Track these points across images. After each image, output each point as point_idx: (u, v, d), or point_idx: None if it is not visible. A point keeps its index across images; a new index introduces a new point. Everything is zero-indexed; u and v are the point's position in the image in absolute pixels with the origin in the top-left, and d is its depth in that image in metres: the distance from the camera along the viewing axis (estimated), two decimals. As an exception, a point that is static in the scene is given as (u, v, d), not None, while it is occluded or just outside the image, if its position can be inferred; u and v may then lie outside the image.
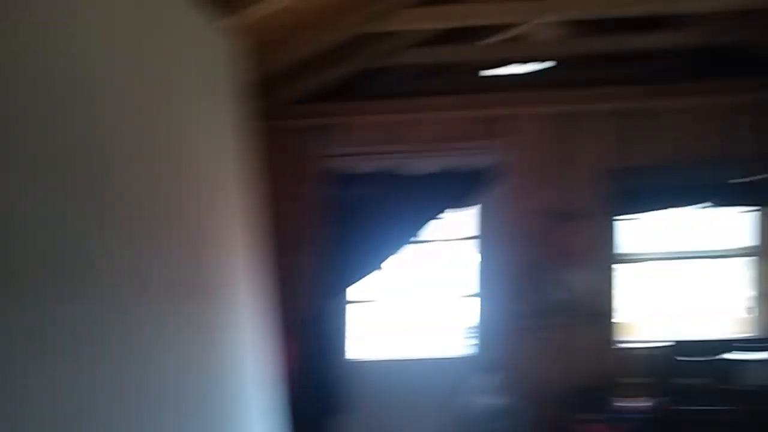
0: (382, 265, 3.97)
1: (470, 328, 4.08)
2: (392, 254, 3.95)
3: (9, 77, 1.25)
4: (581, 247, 3.87)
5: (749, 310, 4.02)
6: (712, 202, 3.91)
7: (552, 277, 3.85)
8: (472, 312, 4.06)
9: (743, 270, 4.04)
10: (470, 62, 4.23)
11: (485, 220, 4.01)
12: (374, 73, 3.90)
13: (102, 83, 1.60)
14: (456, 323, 4.20)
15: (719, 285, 4.24)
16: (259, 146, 2.93)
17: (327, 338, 3.96)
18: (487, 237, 4.01)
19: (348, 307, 4.07)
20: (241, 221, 2.60)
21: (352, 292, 4.05)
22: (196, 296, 2.13)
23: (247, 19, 2.51)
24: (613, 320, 3.94)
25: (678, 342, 3.86)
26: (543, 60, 4.32)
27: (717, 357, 3.74)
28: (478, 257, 4.03)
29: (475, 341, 4.05)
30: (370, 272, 3.97)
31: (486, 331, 4.02)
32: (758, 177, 3.85)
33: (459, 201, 3.97)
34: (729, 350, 3.75)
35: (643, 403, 3.69)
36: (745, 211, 4.00)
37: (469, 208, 4.02)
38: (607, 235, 3.94)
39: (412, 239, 3.97)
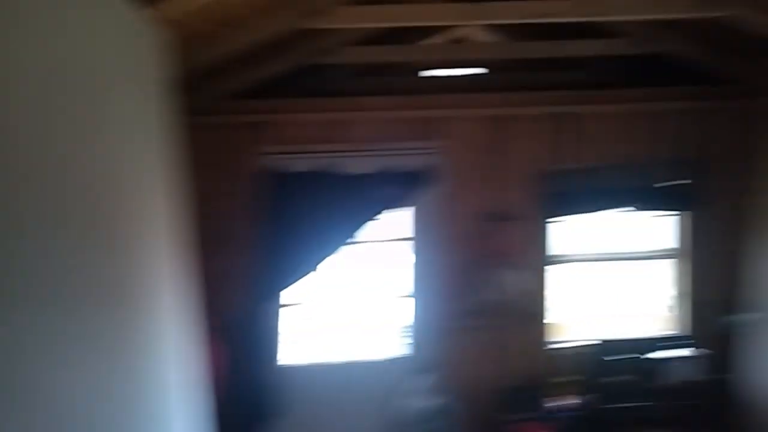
0: (318, 266, 3.90)
1: (405, 328, 4.07)
2: (328, 255, 3.89)
3: None
4: (514, 249, 3.92)
5: (671, 309, 4.19)
6: (637, 205, 4.05)
7: (485, 277, 3.89)
8: (407, 313, 4.06)
9: (666, 271, 4.21)
10: (408, 63, 4.23)
11: (420, 221, 4.01)
12: (311, 70, 3.84)
13: (13, 74, 1.47)
14: (391, 324, 4.18)
15: (644, 285, 4.41)
16: (188, 143, 2.83)
17: (259, 342, 3.86)
18: (421, 238, 4.01)
19: (282, 309, 3.98)
20: (168, 221, 2.49)
21: (286, 294, 3.96)
22: (116, 300, 2.02)
23: (175, 9, 2.41)
24: (544, 320, 4.03)
25: (605, 341, 3.97)
26: (479, 64, 4.38)
27: (642, 355, 3.87)
28: (413, 258, 4.03)
29: (410, 342, 4.05)
30: (305, 274, 3.90)
31: (420, 331, 4.02)
32: (680, 182, 4.02)
33: (395, 202, 3.96)
34: (653, 349, 3.90)
35: (572, 401, 3.78)
36: (667, 215, 4.17)
37: (405, 208, 4.01)
38: (539, 237, 4.02)
39: (348, 240, 3.92)
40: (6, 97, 1.45)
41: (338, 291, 4.24)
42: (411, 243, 4.03)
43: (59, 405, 1.60)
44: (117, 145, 2.10)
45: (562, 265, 4.10)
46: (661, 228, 4.21)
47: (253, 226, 3.82)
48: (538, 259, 4.02)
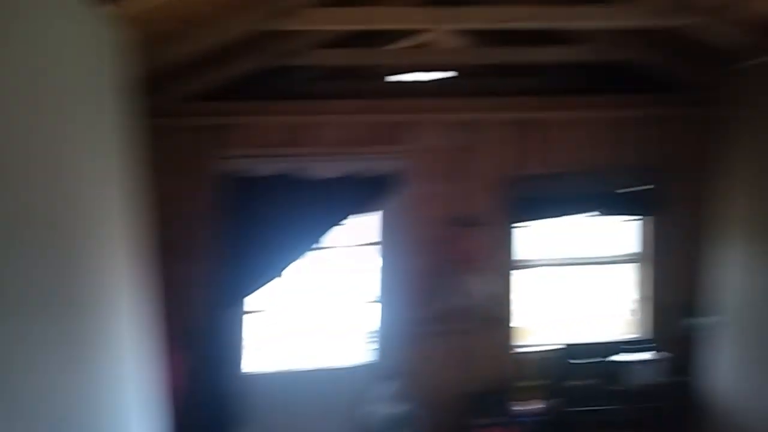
0: (283, 272, 3.84)
1: (371, 334, 4.04)
2: (293, 261, 3.83)
3: None
4: (480, 254, 3.93)
5: (633, 313, 4.25)
6: (600, 210, 4.11)
7: (452, 282, 3.89)
8: (372, 318, 4.02)
9: (629, 275, 4.27)
10: (376, 67, 4.21)
11: (387, 226, 3.98)
12: (277, 72, 3.78)
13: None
14: (357, 330, 4.14)
15: (608, 290, 4.47)
16: (150, 145, 2.74)
17: (222, 349, 3.78)
18: (388, 243, 3.98)
19: (246, 316, 3.90)
20: (127, 226, 2.41)
21: (250, 300, 3.88)
22: (72, 307, 1.94)
23: (135, 7, 2.33)
24: (510, 325, 4.04)
25: (570, 345, 4.01)
26: (446, 69, 4.38)
27: (606, 359, 3.92)
28: (379, 263, 4.00)
29: (375, 348, 4.01)
30: (270, 280, 3.83)
31: (386, 337, 3.99)
32: (642, 188, 4.09)
33: (362, 206, 3.92)
34: (617, 352, 3.95)
35: (537, 405, 3.79)
36: (630, 220, 4.23)
37: (372, 213, 3.98)
38: (505, 242, 4.04)
39: (314, 245, 3.86)
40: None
41: (303, 297, 4.19)
42: (377, 248, 4.00)
43: (13, 412, 1.52)
44: (74, 148, 2.02)
45: (527, 269, 4.12)
46: (625, 233, 4.28)
47: (216, 231, 3.73)
48: (503, 263, 4.03)
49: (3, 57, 1.59)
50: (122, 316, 2.32)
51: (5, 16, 1.62)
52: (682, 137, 4.11)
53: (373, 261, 4.01)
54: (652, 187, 4.07)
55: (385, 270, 3.98)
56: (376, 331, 4.01)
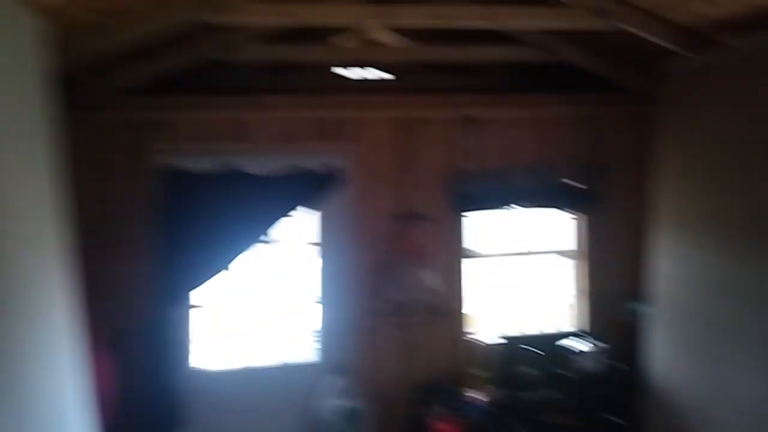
0: (229, 268, 3.77)
1: (315, 331, 4.02)
2: (235, 258, 3.77)
3: None
4: (425, 248, 3.96)
5: (572, 306, 4.35)
6: (540, 205, 4.18)
7: (399, 277, 3.90)
8: (317, 315, 4.00)
9: (569, 268, 4.36)
10: (318, 62, 4.18)
11: (328, 223, 3.97)
12: (215, 67, 3.71)
13: None
14: (303, 327, 4.12)
15: (552, 281, 4.57)
16: (80, 142, 2.66)
17: (166, 348, 3.70)
18: (329, 240, 3.97)
19: (190, 313, 3.83)
20: (47, 226, 2.32)
21: (196, 296, 3.81)
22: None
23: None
24: (458, 317, 4.09)
25: (515, 336, 4.09)
26: (388, 66, 4.39)
27: (549, 349, 4.00)
28: (320, 261, 3.98)
29: (320, 345, 4.00)
30: (212, 277, 3.76)
31: (331, 334, 3.98)
32: (579, 184, 4.19)
33: (306, 202, 3.89)
34: (561, 342, 4.03)
35: (485, 395, 3.85)
36: (569, 215, 4.33)
37: (316, 209, 3.96)
38: (450, 235, 4.08)
39: (256, 242, 3.82)
40: None
41: (248, 295, 4.14)
42: (318, 245, 3.98)
43: None
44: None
45: (472, 262, 4.17)
46: (565, 227, 4.37)
47: (153, 228, 3.64)
48: (452, 256, 4.07)
49: None
50: (43, 319, 2.24)
51: None
52: (617, 135, 4.22)
53: (315, 258, 3.99)
54: (588, 183, 4.17)
55: (328, 266, 3.96)
56: (320, 328, 4.00)
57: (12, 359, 1.97)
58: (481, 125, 4.06)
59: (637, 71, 3.88)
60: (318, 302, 3.98)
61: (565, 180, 4.16)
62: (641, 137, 4.06)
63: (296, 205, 3.86)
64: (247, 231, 3.78)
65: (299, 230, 4.00)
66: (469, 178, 4.03)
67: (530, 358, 3.96)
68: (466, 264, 4.12)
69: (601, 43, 3.70)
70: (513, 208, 4.15)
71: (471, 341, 4.10)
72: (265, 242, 3.86)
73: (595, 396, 3.83)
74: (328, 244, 3.97)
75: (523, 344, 4.01)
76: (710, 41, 3.09)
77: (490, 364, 3.99)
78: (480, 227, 4.21)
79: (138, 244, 3.63)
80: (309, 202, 3.89)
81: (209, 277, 3.73)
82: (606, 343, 3.99)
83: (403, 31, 4.23)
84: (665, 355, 3.50)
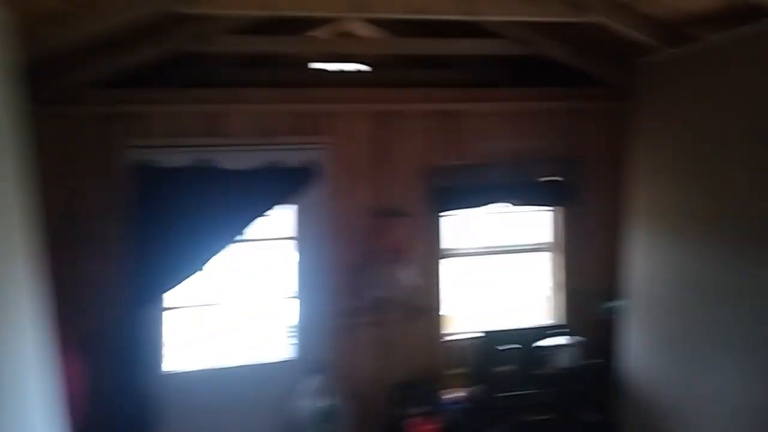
0: (204, 266, 3.69)
1: (291, 329, 3.97)
2: (211, 256, 3.69)
3: None
4: (403, 244, 3.93)
5: (548, 300, 4.37)
6: (516, 200, 4.18)
7: (376, 273, 3.87)
8: (293, 313, 3.96)
9: (545, 263, 4.38)
10: (294, 55, 4.11)
11: (304, 219, 3.91)
12: (190, 59, 3.63)
13: None
14: (279, 325, 4.06)
15: (527, 277, 4.57)
16: (45, 136, 2.57)
17: (138, 349, 3.61)
18: (306, 236, 3.91)
19: (165, 313, 3.75)
20: (17, 225, 2.23)
21: (170, 297, 3.72)
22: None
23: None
24: (437, 314, 4.07)
25: (492, 332, 4.08)
26: (365, 59, 4.34)
27: (526, 345, 4.01)
28: (297, 257, 3.92)
29: (297, 343, 3.95)
30: (188, 275, 3.67)
31: (307, 332, 3.93)
32: (555, 178, 4.20)
33: (282, 198, 3.83)
34: (537, 338, 4.04)
35: (462, 393, 3.84)
36: (544, 209, 4.34)
37: (292, 205, 3.90)
38: (428, 232, 4.05)
39: (233, 239, 3.74)
40: None
41: (223, 293, 4.08)
42: (294, 241, 3.93)
43: None
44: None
45: (450, 259, 4.16)
46: (541, 222, 4.38)
47: (124, 227, 3.55)
48: (429, 253, 4.05)
49: None
50: (10, 321, 2.16)
51: None
52: (594, 129, 4.24)
53: (291, 255, 3.94)
54: (564, 177, 4.18)
55: (304, 263, 3.91)
56: (296, 327, 3.95)
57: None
58: (459, 120, 4.04)
59: (618, 66, 3.89)
60: (294, 297, 3.93)
61: (543, 173, 4.16)
62: (620, 131, 4.08)
63: (273, 202, 3.78)
64: (222, 229, 3.69)
65: (275, 225, 3.93)
66: (446, 172, 4.01)
67: (507, 355, 3.96)
68: (445, 261, 4.10)
69: (581, 38, 3.70)
70: (491, 204, 4.14)
71: (450, 338, 4.08)
72: (241, 241, 3.79)
73: (571, 392, 3.85)
74: (304, 238, 3.91)
75: (500, 339, 4.01)
76: (686, 36, 3.11)
77: (467, 361, 3.98)
78: (458, 223, 4.20)
79: (109, 244, 3.54)
80: (286, 198, 3.83)
81: (183, 279, 3.63)
82: (582, 336, 4.01)
83: (380, 22, 4.19)
84: (640, 350, 3.52)
